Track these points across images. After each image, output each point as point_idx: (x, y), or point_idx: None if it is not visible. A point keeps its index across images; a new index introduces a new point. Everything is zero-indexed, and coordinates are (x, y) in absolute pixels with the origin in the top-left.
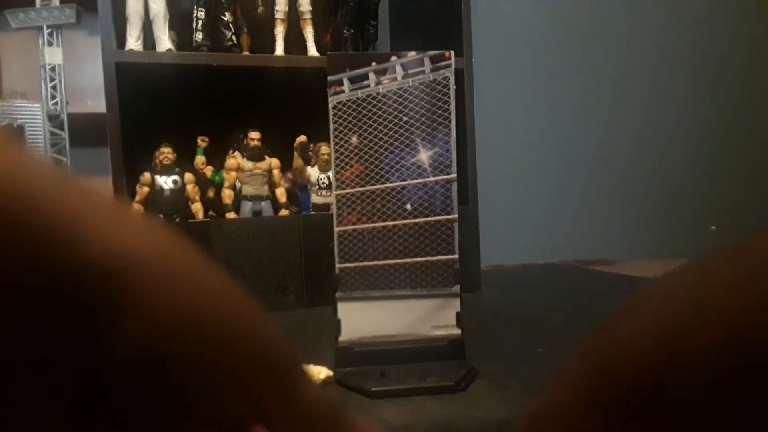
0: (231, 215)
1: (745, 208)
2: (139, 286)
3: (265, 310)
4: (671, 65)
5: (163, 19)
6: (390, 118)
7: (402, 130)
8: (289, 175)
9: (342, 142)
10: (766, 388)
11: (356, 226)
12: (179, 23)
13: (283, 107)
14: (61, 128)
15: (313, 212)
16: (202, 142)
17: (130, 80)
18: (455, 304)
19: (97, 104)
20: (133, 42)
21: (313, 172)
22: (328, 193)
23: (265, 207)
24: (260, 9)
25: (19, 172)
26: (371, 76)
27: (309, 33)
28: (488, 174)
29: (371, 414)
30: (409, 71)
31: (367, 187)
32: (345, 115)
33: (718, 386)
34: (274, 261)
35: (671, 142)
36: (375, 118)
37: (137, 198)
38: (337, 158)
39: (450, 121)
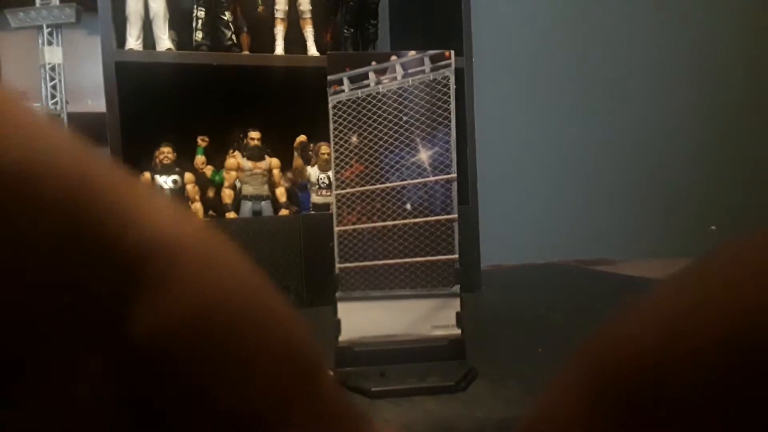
0: (231, 215)
1: (745, 208)
2: (181, 267)
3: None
4: (671, 65)
5: (163, 19)
6: (390, 117)
7: (402, 130)
8: (289, 174)
9: (342, 142)
10: (764, 387)
11: (356, 226)
12: (179, 23)
13: (283, 107)
14: None
15: (313, 212)
16: (202, 141)
17: (130, 80)
18: (455, 304)
19: (97, 104)
20: (133, 41)
21: (313, 172)
22: (328, 193)
23: (265, 207)
24: (260, 8)
25: (85, 165)
26: (371, 75)
27: (309, 32)
28: (488, 174)
29: (371, 414)
30: (409, 71)
31: (367, 187)
32: (345, 115)
33: (717, 385)
34: (274, 261)
35: (671, 142)
36: (375, 117)
37: None
38: (337, 158)
39: (450, 121)
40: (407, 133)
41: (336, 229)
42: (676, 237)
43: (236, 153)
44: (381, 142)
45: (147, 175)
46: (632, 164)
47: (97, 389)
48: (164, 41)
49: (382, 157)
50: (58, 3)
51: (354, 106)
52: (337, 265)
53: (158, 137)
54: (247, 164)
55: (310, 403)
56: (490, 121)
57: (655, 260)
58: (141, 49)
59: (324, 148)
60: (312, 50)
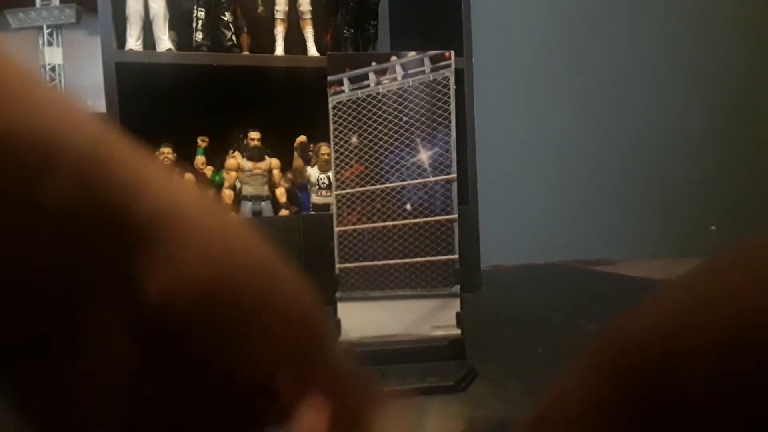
0: None
1: (745, 208)
2: (189, 232)
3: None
4: (671, 65)
5: (163, 19)
6: (390, 118)
7: (402, 130)
8: (289, 175)
9: (342, 142)
10: (763, 387)
11: (356, 226)
12: (179, 23)
13: (283, 107)
14: None
15: (313, 212)
16: (202, 142)
17: (130, 80)
18: (455, 304)
19: (97, 104)
20: (133, 42)
21: (313, 172)
22: (328, 193)
23: (265, 207)
24: (260, 9)
25: (99, 137)
26: (371, 76)
27: (309, 33)
28: (488, 174)
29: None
30: (409, 71)
31: (367, 187)
32: (345, 115)
33: (717, 384)
34: None
35: (671, 142)
36: (375, 118)
37: None
38: (337, 158)
39: (450, 121)
40: (407, 134)
41: (336, 229)
42: (676, 237)
43: (236, 153)
44: (381, 143)
45: None
46: (632, 164)
47: (116, 344)
48: (164, 42)
49: (382, 158)
50: (58, 4)
51: (354, 106)
52: (337, 266)
53: (158, 138)
54: (247, 165)
55: (316, 365)
56: (490, 121)
57: (655, 260)
58: (141, 49)
59: (324, 149)
60: (312, 51)
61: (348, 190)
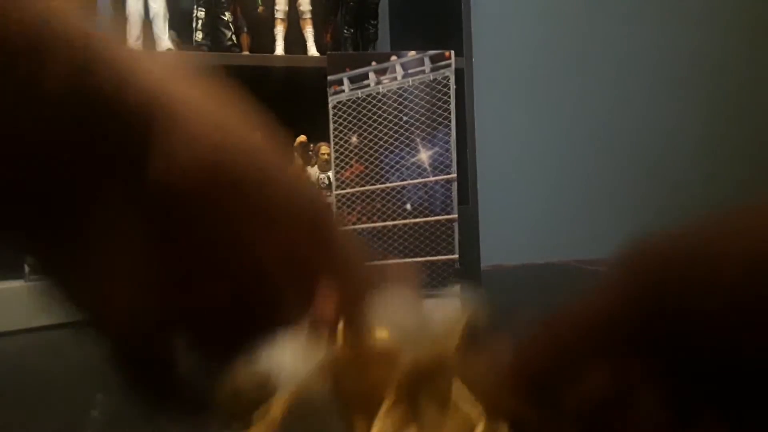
0: None
1: None
2: (184, 114)
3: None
4: (671, 65)
5: (163, 19)
6: (390, 117)
7: (402, 130)
8: None
9: (342, 142)
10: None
11: (356, 226)
12: (179, 23)
13: (283, 107)
14: None
15: None
16: None
17: None
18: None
19: None
20: (133, 42)
21: (313, 172)
22: (328, 193)
23: None
24: (260, 8)
25: (89, 31)
26: (371, 75)
27: (309, 33)
28: (488, 174)
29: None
30: (409, 71)
31: (367, 187)
32: (345, 115)
33: (739, 304)
34: None
35: (671, 142)
36: (375, 117)
37: None
38: (337, 158)
39: (450, 121)
40: (407, 134)
41: None
42: None
43: None
44: (381, 143)
45: None
46: (632, 164)
47: (126, 219)
48: (164, 41)
49: (382, 158)
50: None
51: (354, 106)
52: None
53: None
54: None
55: (323, 248)
56: (490, 121)
57: None
58: (141, 49)
59: (324, 149)
60: (312, 50)
61: (348, 190)
